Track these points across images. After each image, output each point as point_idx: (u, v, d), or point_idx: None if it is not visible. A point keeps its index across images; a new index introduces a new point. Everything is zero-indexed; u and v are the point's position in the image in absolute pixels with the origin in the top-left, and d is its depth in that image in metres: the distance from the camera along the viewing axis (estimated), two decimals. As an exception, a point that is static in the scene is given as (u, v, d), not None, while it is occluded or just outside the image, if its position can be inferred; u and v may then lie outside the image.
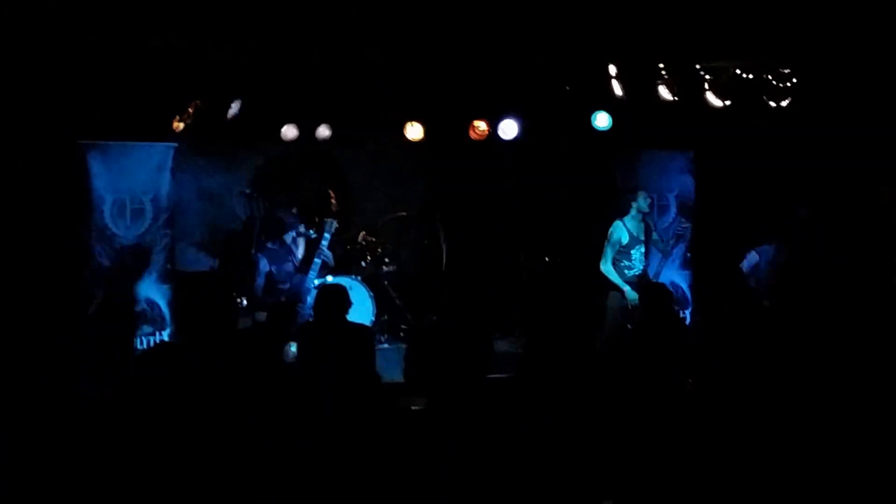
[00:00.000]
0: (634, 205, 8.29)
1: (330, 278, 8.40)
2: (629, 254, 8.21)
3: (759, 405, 6.08)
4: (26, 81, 7.20)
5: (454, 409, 5.83)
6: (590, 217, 9.07)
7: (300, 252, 8.62)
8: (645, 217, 8.39)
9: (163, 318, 8.31)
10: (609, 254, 8.20)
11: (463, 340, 6.19)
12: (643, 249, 8.32)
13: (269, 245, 8.55)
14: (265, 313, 8.02)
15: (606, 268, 8.16)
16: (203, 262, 9.33)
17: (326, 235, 8.42)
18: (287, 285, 8.42)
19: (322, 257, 8.38)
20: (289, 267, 8.51)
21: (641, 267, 8.29)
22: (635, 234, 8.26)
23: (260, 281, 8.42)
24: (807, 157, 8.87)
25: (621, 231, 8.24)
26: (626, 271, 8.21)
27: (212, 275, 9.16)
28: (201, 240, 9.46)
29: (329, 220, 8.50)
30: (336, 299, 6.38)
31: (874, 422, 6.20)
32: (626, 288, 8.07)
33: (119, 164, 8.14)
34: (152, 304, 8.28)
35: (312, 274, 8.34)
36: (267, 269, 8.43)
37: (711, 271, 9.09)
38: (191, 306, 8.28)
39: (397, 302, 9.21)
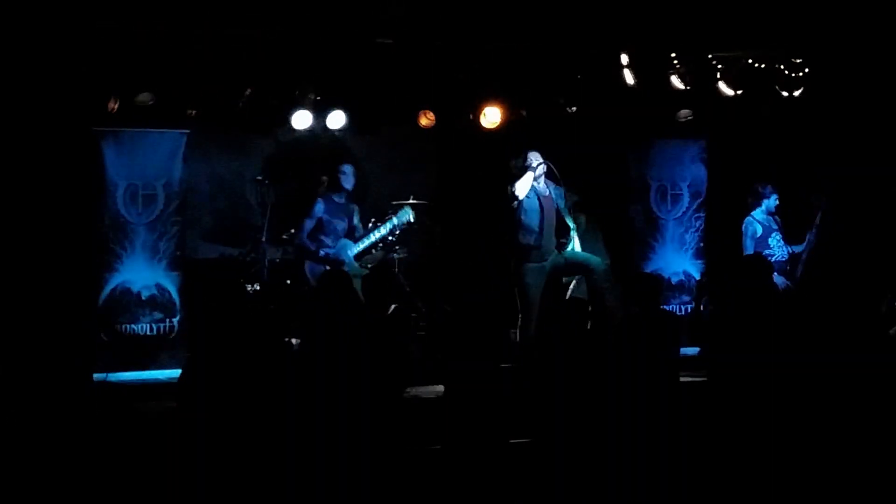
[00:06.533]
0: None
1: None
2: None
3: (768, 397, 6.09)
4: (40, 69, 7.20)
5: (469, 398, 5.84)
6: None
7: (356, 219, 8.73)
8: None
9: (173, 304, 8.34)
10: None
11: (476, 329, 6.20)
12: None
13: (335, 197, 8.65)
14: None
15: None
16: (213, 249, 9.34)
17: (394, 221, 8.63)
18: (331, 239, 8.56)
19: (376, 236, 8.59)
20: (340, 225, 8.62)
21: None
22: None
23: (309, 223, 8.55)
24: (821, 147, 8.90)
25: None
26: None
27: (222, 262, 9.18)
28: (212, 226, 9.48)
29: (406, 208, 8.68)
30: (340, 284, 6.30)
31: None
32: None
33: (132, 151, 8.20)
34: (163, 290, 8.31)
35: (359, 245, 8.55)
36: (321, 214, 8.56)
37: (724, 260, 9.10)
38: (199, 293, 8.31)
39: (407, 290, 9.19)
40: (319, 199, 8.62)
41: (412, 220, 8.73)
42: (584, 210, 8.72)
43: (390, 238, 8.88)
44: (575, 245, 8.07)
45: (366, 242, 8.64)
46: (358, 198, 9.12)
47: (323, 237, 8.58)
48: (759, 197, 8.50)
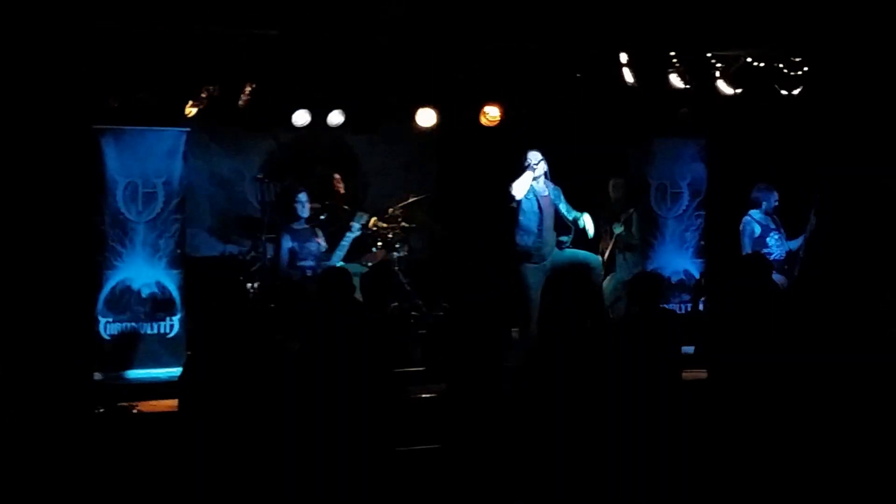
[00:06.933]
0: None
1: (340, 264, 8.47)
2: None
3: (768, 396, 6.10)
4: (40, 68, 7.20)
5: (470, 398, 5.86)
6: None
7: (322, 238, 8.76)
8: None
9: (173, 302, 8.34)
10: None
11: (479, 328, 6.21)
12: None
13: (294, 225, 8.69)
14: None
15: None
16: (214, 247, 9.36)
17: (355, 226, 8.60)
18: (309, 262, 8.56)
19: (348, 241, 8.59)
20: (312, 246, 8.65)
21: None
22: None
23: (284, 257, 8.60)
24: (820, 147, 8.91)
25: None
26: None
27: (222, 260, 9.19)
28: (212, 224, 9.51)
29: (361, 213, 8.69)
30: (341, 282, 6.31)
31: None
32: None
33: (132, 149, 8.17)
34: (163, 288, 8.31)
35: (339, 253, 8.53)
36: (289, 245, 8.58)
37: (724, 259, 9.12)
38: (200, 291, 8.33)
39: (407, 288, 9.21)
40: (283, 234, 8.65)
41: (365, 221, 8.77)
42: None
43: (379, 236, 8.90)
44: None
45: (345, 247, 8.62)
46: (356, 197, 9.16)
47: (301, 263, 8.61)
48: (757, 198, 8.54)
